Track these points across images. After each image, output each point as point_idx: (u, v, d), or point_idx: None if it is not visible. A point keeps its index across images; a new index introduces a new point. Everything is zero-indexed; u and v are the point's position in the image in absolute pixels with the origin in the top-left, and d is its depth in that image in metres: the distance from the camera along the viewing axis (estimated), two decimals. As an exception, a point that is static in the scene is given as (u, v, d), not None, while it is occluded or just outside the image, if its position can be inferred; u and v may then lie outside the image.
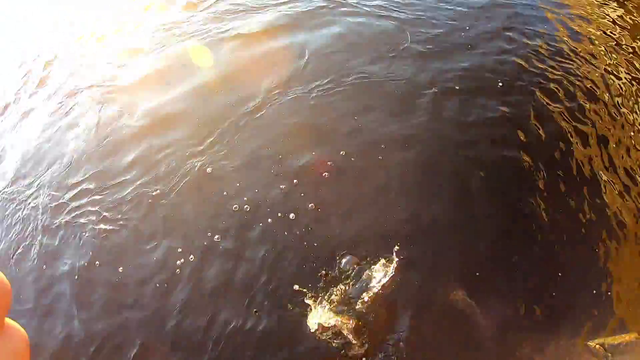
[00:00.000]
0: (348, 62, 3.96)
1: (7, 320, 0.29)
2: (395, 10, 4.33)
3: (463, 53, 3.75)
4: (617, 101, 3.31)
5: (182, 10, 5.54)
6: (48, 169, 4.26)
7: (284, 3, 5.03)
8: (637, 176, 2.96)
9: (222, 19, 5.06)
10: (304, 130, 3.64)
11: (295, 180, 3.31)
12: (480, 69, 3.56)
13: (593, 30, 4.00)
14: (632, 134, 3.11)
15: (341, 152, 3.37)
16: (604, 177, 2.94)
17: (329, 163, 3.30)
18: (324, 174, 3.24)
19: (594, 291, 2.57)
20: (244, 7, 5.16)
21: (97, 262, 3.15)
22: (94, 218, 3.55)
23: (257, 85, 4.05)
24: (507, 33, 3.92)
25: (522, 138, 3.20)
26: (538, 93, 3.37)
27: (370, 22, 4.25)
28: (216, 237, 3.05)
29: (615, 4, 4.38)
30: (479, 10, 4.32)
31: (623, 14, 4.18)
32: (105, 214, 3.58)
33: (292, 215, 3.01)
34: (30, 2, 8.06)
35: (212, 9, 5.33)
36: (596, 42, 3.89)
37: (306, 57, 4.15)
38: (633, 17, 4.13)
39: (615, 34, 3.95)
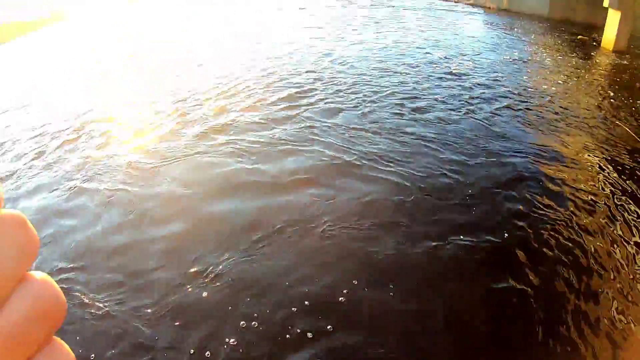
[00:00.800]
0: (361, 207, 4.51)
1: (55, 338, 0.28)
2: (401, 165, 5.20)
3: (468, 207, 4.47)
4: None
5: (201, 139, 6.08)
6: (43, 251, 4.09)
7: (302, 153, 5.59)
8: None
9: (236, 155, 5.57)
10: (314, 263, 3.85)
11: (306, 302, 3.43)
12: (482, 219, 4.24)
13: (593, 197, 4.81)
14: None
15: (354, 281, 3.62)
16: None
17: (343, 291, 3.51)
18: (338, 299, 3.42)
19: None
20: (260, 146, 5.79)
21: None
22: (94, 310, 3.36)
23: (270, 220, 4.32)
24: (509, 191, 4.76)
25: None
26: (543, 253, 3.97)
27: (380, 178, 5.05)
28: (232, 340, 2.97)
29: (611, 169, 5.36)
30: (481, 162, 5.23)
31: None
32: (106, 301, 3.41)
33: (309, 335, 3.05)
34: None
35: (230, 144, 5.90)
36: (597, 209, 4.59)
37: (321, 206, 4.51)
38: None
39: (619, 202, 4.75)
